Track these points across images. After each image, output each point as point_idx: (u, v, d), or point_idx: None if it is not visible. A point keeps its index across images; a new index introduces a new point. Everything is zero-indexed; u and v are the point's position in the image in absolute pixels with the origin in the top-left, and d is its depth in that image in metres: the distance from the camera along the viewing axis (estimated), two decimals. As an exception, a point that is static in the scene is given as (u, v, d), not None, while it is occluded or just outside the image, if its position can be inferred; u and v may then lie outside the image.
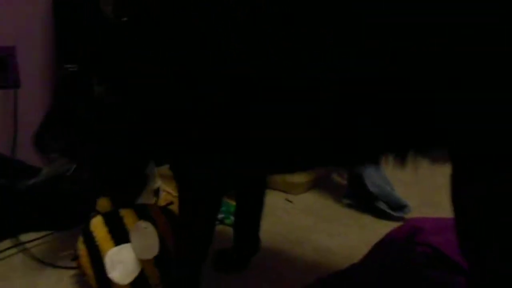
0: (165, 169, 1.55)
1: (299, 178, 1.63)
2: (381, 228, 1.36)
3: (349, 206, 1.52)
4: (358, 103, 0.71)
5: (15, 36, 1.43)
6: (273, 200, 1.56)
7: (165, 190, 1.44)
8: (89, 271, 0.99)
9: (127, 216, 1.03)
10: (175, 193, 1.39)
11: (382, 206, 1.43)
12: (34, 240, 1.25)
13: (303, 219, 1.44)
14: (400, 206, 1.43)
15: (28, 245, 1.22)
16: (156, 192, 1.49)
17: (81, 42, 1.15)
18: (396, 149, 0.79)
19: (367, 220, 1.44)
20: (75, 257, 1.05)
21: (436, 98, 0.65)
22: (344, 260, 1.16)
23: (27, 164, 1.42)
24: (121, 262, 0.96)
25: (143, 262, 0.98)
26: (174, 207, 1.20)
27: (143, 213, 1.05)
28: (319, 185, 1.71)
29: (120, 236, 0.99)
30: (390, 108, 0.70)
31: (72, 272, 1.10)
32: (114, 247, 0.97)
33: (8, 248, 1.21)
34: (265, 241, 1.27)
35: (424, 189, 1.65)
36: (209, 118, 0.81)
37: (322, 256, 1.22)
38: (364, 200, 1.47)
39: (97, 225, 1.02)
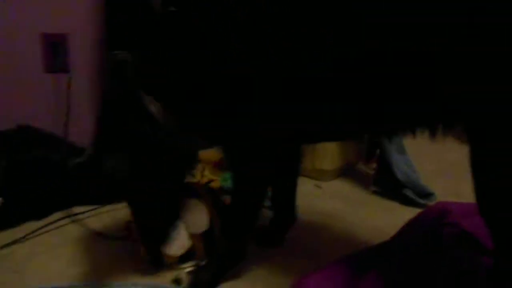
0: (204, 153, 1.64)
1: (328, 165, 1.70)
2: (407, 214, 1.41)
3: (376, 193, 1.59)
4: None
5: (67, 24, 1.53)
6: (303, 186, 1.63)
7: (203, 173, 1.53)
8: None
9: (177, 191, 1.12)
10: (211, 176, 1.48)
11: (409, 193, 1.49)
12: (85, 212, 1.36)
13: (332, 203, 1.52)
14: (426, 194, 1.49)
15: (80, 217, 1.33)
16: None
17: (130, 30, 1.23)
18: (424, 122, 0.90)
19: (394, 206, 1.50)
20: (127, 228, 1.15)
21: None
22: (373, 240, 1.23)
23: (76, 145, 1.53)
24: (173, 235, 1.05)
25: (192, 237, 1.07)
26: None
27: (191, 191, 1.13)
28: (346, 173, 1.79)
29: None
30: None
31: (122, 242, 1.20)
32: None
33: (62, 219, 1.32)
34: (298, 221, 1.35)
35: (447, 181, 1.70)
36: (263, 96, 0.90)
37: (352, 236, 1.29)
38: (391, 188, 1.53)
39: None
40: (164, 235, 1.07)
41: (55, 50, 1.50)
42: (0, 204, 1.21)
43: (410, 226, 1.08)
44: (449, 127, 0.88)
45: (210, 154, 1.76)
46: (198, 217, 1.07)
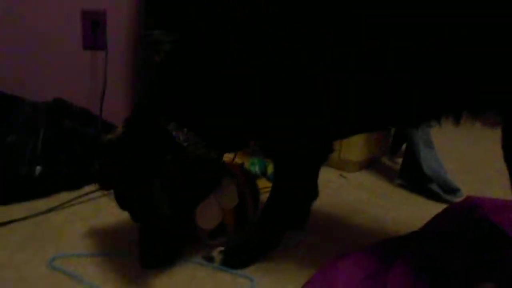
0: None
1: (354, 156, 1.71)
2: (432, 208, 1.42)
3: (401, 186, 1.60)
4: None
5: (106, 1, 1.56)
6: (328, 176, 1.65)
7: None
8: None
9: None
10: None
11: (435, 188, 1.50)
12: (117, 186, 1.39)
13: (357, 194, 1.53)
14: (452, 190, 1.49)
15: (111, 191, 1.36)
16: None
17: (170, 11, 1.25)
18: (451, 109, 0.92)
19: (419, 200, 1.51)
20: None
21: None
22: (397, 232, 1.24)
23: (109, 122, 1.56)
24: (207, 209, 1.07)
25: (224, 212, 1.10)
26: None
27: (224, 168, 1.16)
28: (371, 166, 1.80)
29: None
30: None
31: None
32: None
33: (93, 192, 1.36)
34: (323, 208, 1.37)
35: (472, 179, 1.70)
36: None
37: (378, 225, 1.30)
38: (417, 181, 1.54)
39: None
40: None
41: (94, 27, 1.53)
42: (38, 172, 1.25)
43: (440, 218, 1.09)
44: (479, 113, 0.89)
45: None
46: (229, 193, 1.10)
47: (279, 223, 1.07)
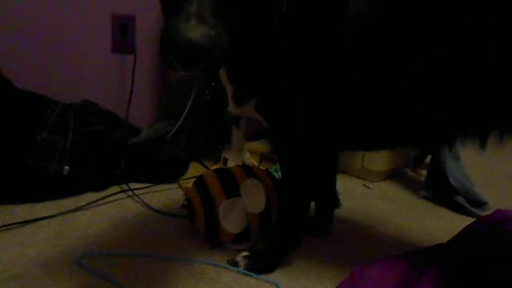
0: (250, 144, 1.67)
1: (377, 166, 1.70)
2: (458, 221, 1.41)
3: (426, 198, 1.57)
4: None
5: (135, 5, 1.58)
6: (351, 185, 1.64)
7: (251, 163, 1.55)
8: (201, 217, 1.11)
9: (237, 173, 1.15)
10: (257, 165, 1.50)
11: (461, 200, 1.47)
12: (141, 188, 1.41)
13: (380, 204, 1.51)
14: (479, 203, 1.46)
15: (136, 192, 1.37)
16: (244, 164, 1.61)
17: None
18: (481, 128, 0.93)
19: (444, 212, 1.48)
20: (184, 205, 1.18)
21: None
22: (422, 244, 1.22)
23: (135, 126, 1.58)
24: (232, 213, 1.07)
25: (249, 216, 1.10)
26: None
27: (250, 172, 1.16)
28: (393, 177, 1.77)
29: (231, 190, 1.11)
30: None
31: (177, 219, 1.24)
32: (227, 200, 1.09)
33: (118, 193, 1.37)
34: (348, 218, 1.36)
35: (499, 193, 1.67)
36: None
37: (403, 236, 1.29)
38: (443, 194, 1.51)
39: (211, 179, 1.14)
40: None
41: (123, 31, 1.56)
42: (67, 172, 1.27)
43: (469, 231, 1.06)
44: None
45: (258, 145, 1.80)
46: (256, 198, 1.10)
47: (291, 227, 1.05)
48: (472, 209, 1.46)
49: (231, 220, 1.07)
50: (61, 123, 1.31)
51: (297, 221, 1.06)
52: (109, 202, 1.32)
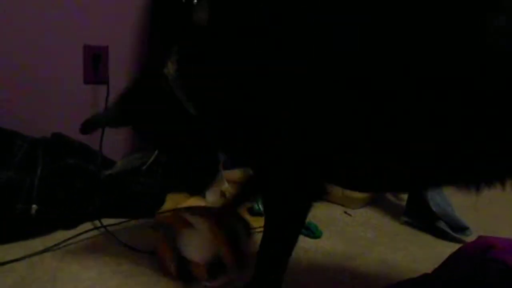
0: (230, 173, 1.64)
1: (358, 193, 1.68)
2: (441, 247, 1.39)
3: (407, 223, 1.56)
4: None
5: (108, 37, 1.56)
6: (332, 212, 1.61)
7: (231, 193, 1.51)
8: (165, 254, 1.07)
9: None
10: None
11: (443, 226, 1.46)
12: (115, 224, 1.35)
13: (363, 232, 1.48)
14: (461, 228, 1.45)
15: (109, 229, 1.31)
16: (223, 194, 1.57)
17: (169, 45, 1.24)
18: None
19: (427, 238, 1.47)
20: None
21: None
22: (409, 273, 1.19)
23: (108, 158, 1.53)
24: (196, 240, 1.03)
25: (218, 246, 1.04)
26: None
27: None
28: (375, 202, 1.76)
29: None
30: None
31: (154, 256, 1.17)
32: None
33: (90, 230, 1.31)
34: (328, 249, 1.33)
35: (482, 217, 1.66)
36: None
37: (386, 267, 1.26)
38: (424, 219, 1.50)
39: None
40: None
41: (96, 62, 1.53)
42: (34, 211, 1.20)
43: (453, 260, 1.04)
44: None
45: (236, 174, 1.76)
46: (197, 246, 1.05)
47: (272, 268, 0.98)
48: (454, 234, 1.44)
49: (196, 248, 1.02)
50: (29, 160, 1.25)
51: (282, 261, 1.02)
52: (81, 240, 1.25)
